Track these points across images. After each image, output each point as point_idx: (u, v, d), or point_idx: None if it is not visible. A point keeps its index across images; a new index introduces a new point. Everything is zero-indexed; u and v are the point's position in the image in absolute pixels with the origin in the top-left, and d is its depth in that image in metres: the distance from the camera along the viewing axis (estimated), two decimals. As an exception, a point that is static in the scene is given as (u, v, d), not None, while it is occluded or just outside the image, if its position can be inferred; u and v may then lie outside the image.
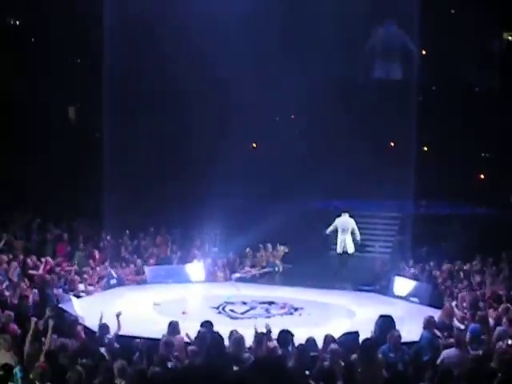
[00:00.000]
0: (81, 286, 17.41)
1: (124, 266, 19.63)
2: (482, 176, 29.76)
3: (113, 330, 12.30)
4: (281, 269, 21.49)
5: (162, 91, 25.95)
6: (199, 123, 26.79)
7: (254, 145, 29.99)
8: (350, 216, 21.44)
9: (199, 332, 11.30)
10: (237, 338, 10.76)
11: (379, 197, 25.53)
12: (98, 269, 19.01)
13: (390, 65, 27.66)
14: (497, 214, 24.66)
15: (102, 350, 11.02)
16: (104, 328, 12.03)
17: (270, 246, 21.71)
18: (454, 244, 20.35)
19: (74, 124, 29.56)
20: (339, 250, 21.18)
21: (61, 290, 16.31)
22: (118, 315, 12.35)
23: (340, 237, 21.24)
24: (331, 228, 21.48)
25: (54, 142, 26.20)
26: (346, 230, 21.19)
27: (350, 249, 21.14)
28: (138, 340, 12.04)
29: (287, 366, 9.45)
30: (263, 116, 27.33)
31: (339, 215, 21.48)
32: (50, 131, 26.33)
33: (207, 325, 11.57)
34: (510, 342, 11.10)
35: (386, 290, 18.82)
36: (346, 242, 21.11)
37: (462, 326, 13.13)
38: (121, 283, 18.81)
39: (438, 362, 10.67)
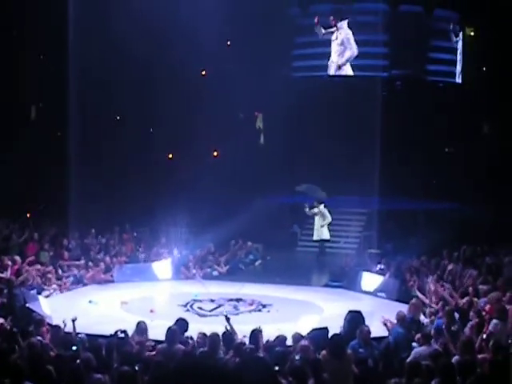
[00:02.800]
0: (45, 286, 17.26)
1: (91, 266, 19.44)
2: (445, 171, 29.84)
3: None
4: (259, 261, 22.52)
5: (125, 90, 25.60)
6: (164, 122, 26.64)
7: (215, 153, 29.51)
8: (325, 206, 22.46)
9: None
10: (213, 337, 10.67)
11: (345, 193, 25.64)
12: (59, 269, 18.84)
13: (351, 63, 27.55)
14: (460, 208, 24.80)
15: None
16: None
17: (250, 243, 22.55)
18: (420, 239, 20.46)
19: (36, 123, 29.05)
20: (315, 237, 22.56)
21: (30, 289, 16.08)
22: (73, 320, 12.19)
23: (315, 226, 22.44)
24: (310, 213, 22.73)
25: (16, 142, 25.90)
26: (320, 219, 22.38)
27: (325, 235, 22.35)
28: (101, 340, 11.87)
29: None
30: (229, 113, 27.26)
31: (313, 207, 22.49)
32: (11, 130, 25.92)
33: (181, 323, 11.50)
34: (484, 336, 11.13)
35: (353, 286, 18.93)
36: (321, 230, 22.28)
37: (430, 322, 13.19)
38: (79, 282, 18.65)
39: (409, 359, 10.60)
